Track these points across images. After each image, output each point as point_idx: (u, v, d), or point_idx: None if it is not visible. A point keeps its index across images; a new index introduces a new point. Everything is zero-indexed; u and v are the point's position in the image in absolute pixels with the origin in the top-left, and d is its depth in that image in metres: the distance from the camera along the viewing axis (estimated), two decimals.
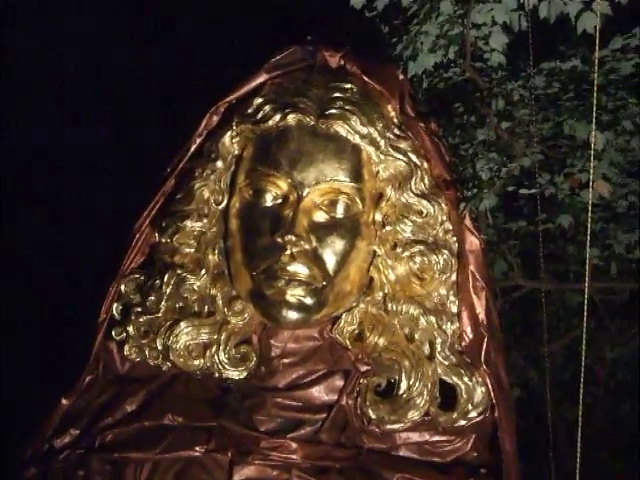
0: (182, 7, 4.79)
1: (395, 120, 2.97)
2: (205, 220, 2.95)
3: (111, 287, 3.00)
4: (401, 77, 3.09)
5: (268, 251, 2.81)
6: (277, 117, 2.87)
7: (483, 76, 3.50)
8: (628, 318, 4.98)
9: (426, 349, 2.88)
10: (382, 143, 2.89)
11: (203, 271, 2.93)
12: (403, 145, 2.93)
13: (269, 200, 2.86)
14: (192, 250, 2.95)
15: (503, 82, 3.47)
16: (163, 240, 2.97)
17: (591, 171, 2.98)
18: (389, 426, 2.82)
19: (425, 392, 2.83)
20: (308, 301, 2.82)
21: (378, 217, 2.90)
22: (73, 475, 2.76)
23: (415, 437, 2.84)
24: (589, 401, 5.01)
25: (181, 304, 2.92)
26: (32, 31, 5.11)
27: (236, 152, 2.95)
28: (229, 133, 2.94)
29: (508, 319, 4.90)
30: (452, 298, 2.92)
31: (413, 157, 2.92)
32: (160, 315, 2.92)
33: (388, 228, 2.90)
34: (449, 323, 2.90)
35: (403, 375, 2.84)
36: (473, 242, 2.95)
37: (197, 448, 2.71)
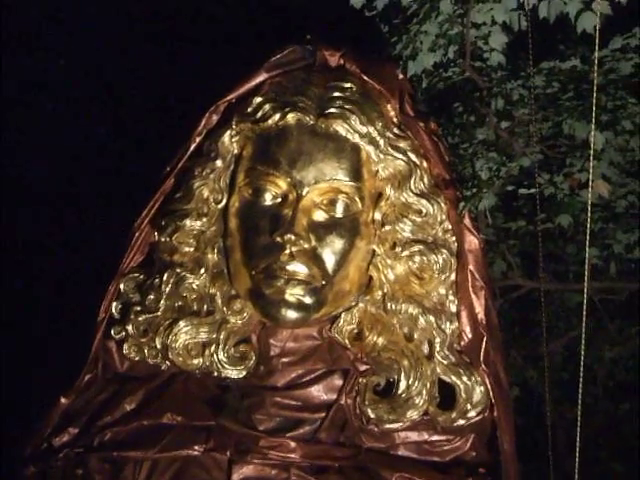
0: (182, 6, 4.79)
1: (394, 119, 2.97)
2: (204, 219, 2.95)
3: (110, 286, 3.00)
4: (400, 76, 3.09)
5: (267, 250, 2.81)
6: (277, 116, 2.87)
7: (483, 76, 3.49)
8: (627, 318, 4.99)
9: (425, 348, 2.88)
10: (381, 142, 2.89)
11: (202, 270, 2.93)
12: (402, 144, 2.93)
13: (268, 199, 2.86)
14: (191, 249, 2.95)
15: (503, 82, 3.46)
16: (162, 239, 2.97)
17: (590, 171, 2.97)
18: (388, 425, 2.82)
19: (424, 391, 2.83)
20: (307, 300, 2.82)
21: (377, 216, 2.90)
22: (72, 474, 2.77)
23: (414, 436, 2.85)
24: (588, 401, 5.01)
25: (180, 303, 2.92)
26: (32, 31, 5.11)
27: (235, 151, 2.95)
28: (228, 132, 2.94)
29: (507, 319, 4.91)
30: (451, 297, 2.93)
31: (412, 156, 2.93)
32: (159, 314, 2.92)
33: (387, 227, 2.90)
34: (448, 322, 2.90)
35: (402, 374, 2.84)
36: (472, 242, 2.95)
37: (196, 447, 2.72)
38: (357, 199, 2.86)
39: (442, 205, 2.93)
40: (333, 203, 2.85)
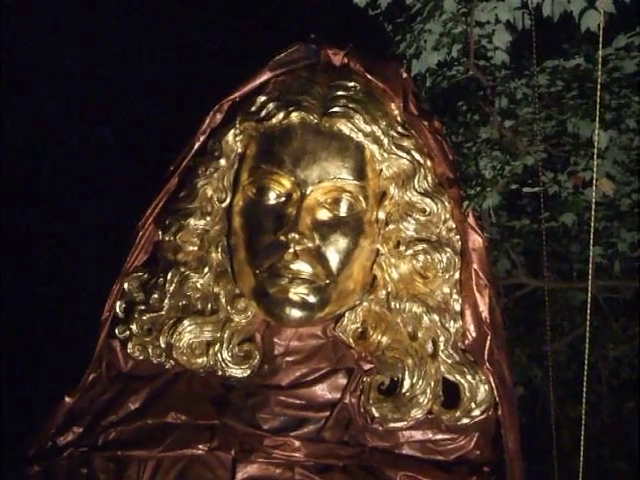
0: (185, 6, 4.79)
1: (398, 118, 2.96)
2: (208, 218, 2.95)
3: (114, 285, 3.00)
4: (404, 75, 3.09)
5: (271, 249, 2.81)
6: (280, 115, 2.87)
7: (486, 74, 3.50)
8: (631, 316, 4.97)
9: (429, 347, 2.88)
10: (385, 141, 2.89)
11: (206, 269, 2.93)
12: (406, 143, 2.92)
13: (272, 198, 2.86)
14: (195, 248, 2.95)
15: (506, 80, 3.47)
16: (166, 238, 2.97)
17: (594, 169, 2.98)
18: (392, 424, 2.82)
19: (428, 390, 2.83)
20: (311, 299, 2.82)
21: (381, 215, 2.90)
22: (76, 473, 2.76)
23: (418, 435, 2.84)
24: (593, 399, 5.00)
25: (184, 302, 2.92)
26: (32, 31, 5.11)
27: (239, 150, 2.95)
28: (232, 131, 2.94)
29: (511, 317, 4.90)
30: (455, 296, 2.92)
31: (416, 155, 2.92)
32: (163, 313, 2.92)
33: (391, 226, 2.90)
34: (452, 321, 2.89)
35: (406, 373, 2.84)
36: (476, 240, 2.95)
37: (200, 446, 2.72)
38: (361, 198, 2.86)
39: (446, 204, 2.93)
40: (337, 202, 2.85)
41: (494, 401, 2.88)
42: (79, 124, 5.00)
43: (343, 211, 2.85)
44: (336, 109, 2.85)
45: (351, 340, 2.87)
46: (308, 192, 2.82)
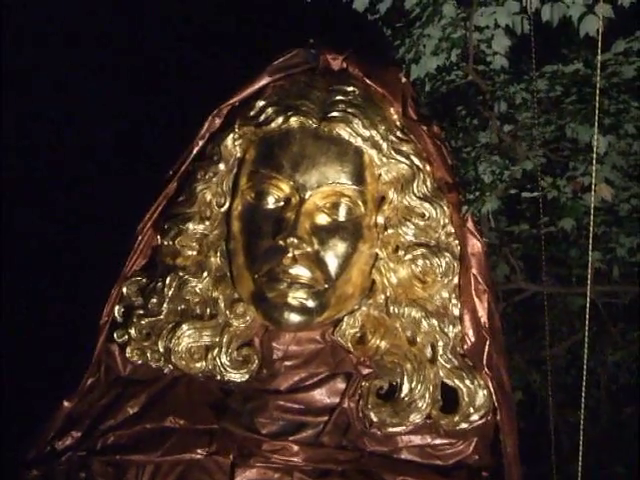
0: (184, 8, 4.79)
1: (397, 123, 2.97)
2: (207, 223, 2.95)
3: (113, 289, 3.00)
4: (403, 80, 3.09)
5: (270, 254, 2.81)
6: (279, 120, 2.87)
7: (486, 79, 3.50)
8: (630, 321, 4.97)
9: (428, 352, 2.88)
10: (384, 146, 2.89)
11: (205, 274, 2.93)
12: (405, 148, 2.93)
13: (271, 203, 2.86)
14: (194, 252, 2.96)
15: (506, 85, 3.47)
16: (165, 242, 2.97)
17: (593, 174, 2.97)
18: (391, 429, 2.82)
19: (427, 395, 2.83)
20: (310, 304, 2.82)
21: (380, 220, 2.90)
22: (75, 477, 2.76)
23: (417, 440, 2.84)
24: (591, 404, 5.01)
25: (183, 306, 2.93)
26: (32, 31, 5.12)
27: (238, 155, 2.95)
28: (231, 135, 2.94)
29: (510, 322, 4.90)
30: (454, 301, 2.92)
31: (415, 160, 2.92)
32: (162, 317, 2.92)
33: (390, 231, 2.90)
34: (451, 326, 2.89)
35: (405, 378, 2.84)
36: (475, 245, 2.95)
37: (199, 451, 2.72)
38: (360, 203, 2.86)
39: (445, 209, 2.93)
40: (336, 206, 2.85)
41: (493, 406, 2.88)
42: (79, 124, 5.00)
43: (342, 216, 2.85)
44: (335, 114, 2.85)
45: (350, 345, 2.87)
46: (307, 197, 2.82)
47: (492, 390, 2.87)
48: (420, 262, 2.89)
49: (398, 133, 2.94)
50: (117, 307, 3.00)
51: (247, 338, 2.91)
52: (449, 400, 2.87)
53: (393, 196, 2.91)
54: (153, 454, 2.73)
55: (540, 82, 3.40)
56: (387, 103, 2.98)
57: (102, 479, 2.74)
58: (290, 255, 2.78)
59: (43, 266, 4.90)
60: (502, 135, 3.50)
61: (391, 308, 2.88)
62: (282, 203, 2.85)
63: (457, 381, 2.86)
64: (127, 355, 2.95)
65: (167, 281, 2.92)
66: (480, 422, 2.87)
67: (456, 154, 3.47)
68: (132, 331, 2.93)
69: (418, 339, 2.88)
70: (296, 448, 2.72)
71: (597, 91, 2.82)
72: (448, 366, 2.87)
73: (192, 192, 2.97)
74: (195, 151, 3.04)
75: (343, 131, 2.86)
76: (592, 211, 2.86)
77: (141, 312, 2.94)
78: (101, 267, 3.05)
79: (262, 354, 2.88)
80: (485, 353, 2.89)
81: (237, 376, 2.87)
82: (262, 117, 2.91)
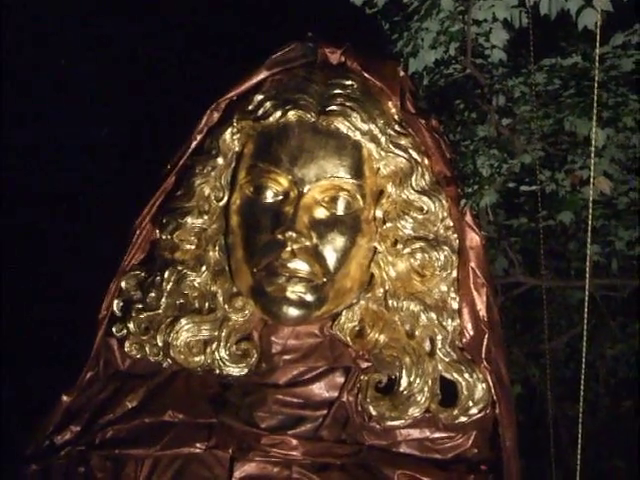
0: (182, 3, 4.79)
1: (396, 117, 2.96)
2: (206, 217, 2.95)
3: (112, 283, 3.00)
4: (402, 74, 3.08)
5: (269, 248, 2.81)
6: (278, 114, 2.87)
7: (484, 73, 3.50)
8: (629, 315, 4.98)
9: (427, 346, 2.88)
10: (383, 140, 2.89)
11: (204, 268, 2.93)
12: (404, 142, 2.92)
13: (270, 197, 2.86)
14: (193, 247, 2.96)
15: (504, 79, 3.47)
16: (164, 237, 2.97)
17: (592, 168, 2.98)
18: (390, 423, 2.82)
19: (426, 389, 2.83)
20: (309, 298, 2.82)
21: (379, 214, 2.90)
22: (74, 472, 2.76)
23: (416, 434, 2.84)
24: (590, 398, 5.01)
25: (182, 301, 2.92)
26: (32, 31, 5.11)
27: (237, 149, 2.95)
28: (230, 130, 2.94)
29: (509, 316, 4.91)
30: (453, 295, 2.92)
31: (414, 154, 2.92)
32: (161, 312, 2.92)
33: (389, 225, 2.90)
34: (450, 320, 2.89)
35: (404, 372, 2.84)
36: (474, 239, 2.95)
37: (198, 445, 2.71)
38: (358, 196, 2.86)
39: (443, 202, 2.93)
40: (334, 200, 2.85)
41: (492, 399, 2.88)
42: (79, 124, 4.99)
43: (340, 209, 2.85)
44: (333, 107, 2.85)
45: (348, 338, 2.87)
46: (305, 191, 2.82)
47: (491, 384, 2.87)
48: (419, 256, 2.89)
49: (396, 127, 2.94)
50: (116, 301, 3.00)
51: (246, 332, 2.90)
52: (448, 394, 2.87)
53: (392, 190, 2.91)
54: (152, 448, 2.72)
55: (538, 75, 3.40)
56: (385, 97, 2.97)
57: (101, 473, 2.73)
58: (289, 249, 2.78)
59: (43, 261, 4.90)
60: (500, 129, 3.50)
61: (390, 302, 2.88)
62: (281, 197, 2.85)
63: (456, 375, 2.86)
64: (126, 349, 2.94)
65: (166, 275, 2.92)
66: (479, 416, 2.87)
67: (454, 148, 3.47)
68: (131, 325, 2.93)
69: (417, 333, 2.87)
70: (295, 442, 2.72)
71: (595, 84, 2.83)
72: (447, 360, 2.87)
73: (190, 186, 2.96)
74: (193, 145, 3.03)
75: (341, 125, 2.85)
76: (591, 204, 2.86)
77: (140, 306, 2.94)
78: (101, 261, 3.05)
79: (261, 348, 2.88)
80: (484, 347, 2.89)
81: (236, 370, 2.87)
82: (260, 111, 2.91)
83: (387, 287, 2.89)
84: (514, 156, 3.41)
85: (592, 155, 2.94)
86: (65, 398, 2.94)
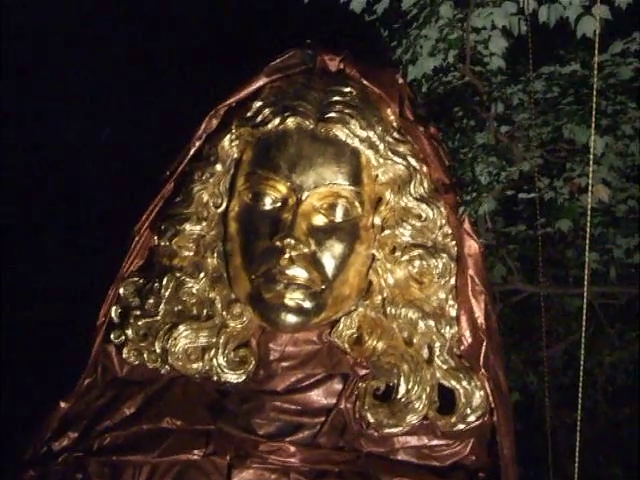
0: (182, 8, 4.79)
1: (394, 124, 2.97)
2: (204, 223, 2.95)
3: (110, 290, 3.00)
4: (400, 81, 3.09)
5: (267, 254, 2.81)
6: (276, 120, 2.87)
7: (482, 80, 3.49)
8: (627, 322, 4.98)
9: (425, 353, 2.88)
10: (381, 147, 2.89)
11: (202, 274, 2.93)
12: (402, 149, 2.93)
13: (268, 203, 2.86)
14: (191, 253, 2.96)
15: (503, 86, 3.46)
16: (162, 243, 2.97)
17: (590, 175, 2.97)
18: (388, 430, 2.82)
19: (424, 396, 2.83)
20: (307, 305, 2.82)
21: (377, 221, 2.90)
22: (72, 478, 2.76)
23: (414, 441, 2.84)
24: (588, 405, 5.01)
25: (180, 307, 2.92)
26: (32, 31, 5.11)
27: (235, 155, 2.95)
28: (228, 136, 2.94)
29: (507, 323, 4.91)
30: (451, 302, 2.92)
31: (412, 161, 2.93)
32: (159, 318, 2.92)
33: (387, 232, 2.90)
34: (448, 327, 2.89)
35: (402, 379, 2.84)
36: (472, 246, 2.95)
37: (196, 451, 2.72)
38: (357, 203, 2.86)
39: (442, 209, 2.93)
40: (333, 207, 2.85)
41: (489, 407, 2.87)
42: (79, 124, 4.99)
43: (339, 217, 2.85)
44: (332, 114, 2.85)
45: (346, 346, 2.87)
46: (304, 197, 2.82)
47: (489, 391, 2.87)
48: (417, 263, 2.89)
49: (395, 134, 2.95)
50: (114, 308, 3.00)
51: (244, 339, 2.91)
52: (446, 401, 2.87)
53: (390, 197, 2.91)
54: (150, 455, 2.73)
55: (537, 83, 3.40)
56: (384, 104, 2.98)
57: None
58: (287, 256, 2.78)
59: (43, 266, 4.90)
60: (499, 136, 3.50)
61: (388, 309, 2.88)
62: (279, 204, 2.85)
63: (454, 382, 2.86)
64: (124, 356, 2.94)
65: (164, 282, 2.92)
66: (477, 423, 2.87)
67: (453, 155, 3.46)
68: (129, 332, 2.93)
69: (415, 340, 2.88)
70: (293, 449, 2.72)
71: (594, 92, 2.82)
72: (445, 367, 2.87)
73: (189, 193, 2.97)
74: (192, 152, 3.04)
75: (340, 132, 2.86)
76: (589, 212, 2.86)
77: (138, 313, 2.94)
78: (99, 268, 3.05)
79: (259, 355, 2.88)
80: (482, 354, 2.89)
81: (234, 377, 2.87)
82: (259, 118, 2.91)
83: (385, 294, 2.89)
84: (513, 164, 3.41)
85: (591, 163, 2.94)
86: (63, 405, 2.94)
